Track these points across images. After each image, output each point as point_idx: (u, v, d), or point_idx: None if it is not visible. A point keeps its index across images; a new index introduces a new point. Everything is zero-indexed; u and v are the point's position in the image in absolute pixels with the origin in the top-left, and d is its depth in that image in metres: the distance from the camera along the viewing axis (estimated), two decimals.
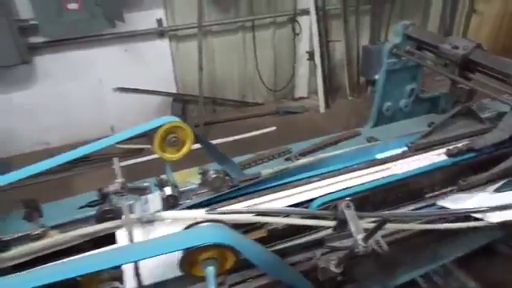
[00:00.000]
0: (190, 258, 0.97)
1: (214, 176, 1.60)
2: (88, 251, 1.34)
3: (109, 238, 1.42)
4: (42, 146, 4.49)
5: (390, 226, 1.30)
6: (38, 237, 1.33)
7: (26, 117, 4.32)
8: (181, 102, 4.86)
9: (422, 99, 2.65)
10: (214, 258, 0.98)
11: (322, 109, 5.22)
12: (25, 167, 1.50)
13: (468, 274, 2.28)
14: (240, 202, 1.52)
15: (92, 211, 1.58)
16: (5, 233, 1.43)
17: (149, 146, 1.63)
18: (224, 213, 1.22)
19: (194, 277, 1.01)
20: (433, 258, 1.68)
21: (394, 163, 1.70)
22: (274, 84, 5.44)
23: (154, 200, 1.22)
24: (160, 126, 1.50)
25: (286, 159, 2.15)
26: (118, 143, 1.64)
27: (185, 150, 1.55)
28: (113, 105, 4.62)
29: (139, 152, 4.19)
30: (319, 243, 1.34)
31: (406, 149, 1.85)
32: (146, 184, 1.23)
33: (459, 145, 1.68)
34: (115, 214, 1.49)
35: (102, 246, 1.38)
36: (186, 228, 1.05)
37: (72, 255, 1.32)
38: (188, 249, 0.94)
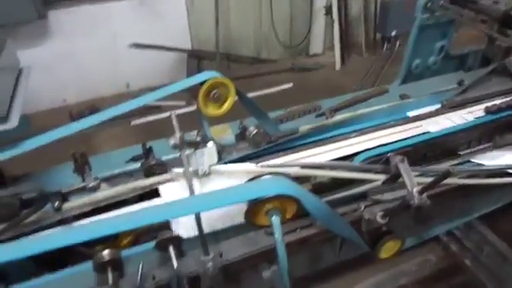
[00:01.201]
0: (256, 209, 1.02)
1: (255, 132, 1.62)
2: (133, 205, 1.40)
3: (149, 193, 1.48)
4: (60, 104, 4.52)
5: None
6: (94, 189, 1.38)
7: (43, 74, 4.30)
8: (196, 59, 4.81)
9: (451, 57, 2.62)
10: (277, 208, 1.04)
11: (337, 66, 5.17)
12: (68, 124, 1.51)
13: (488, 228, 2.37)
14: (280, 157, 1.56)
15: (137, 165, 1.64)
16: (58, 185, 1.48)
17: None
18: (281, 166, 1.26)
19: (256, 226, 1.06)
20: (464, 212, 1.74)
21: (430, 120, 1.72)
22: (289, 40, 5.35)
23: (210, 153, 1.25)
24: (204, 82, 1.51)
25: (318, 116, 2.17)
26: (158, 100, 1.65)
27: (227, 105, 1.56)
28: (128, 61, 4.59)
29: (156, 110, 4.20)
30: (363, 196, 1.39)
31: (439, 106, 1.86)
32: (198, 138, 1.26)
33: (497, 102, 1.69)
34: (161, 168, 1.54)
35: (147, 200, 1.44)
36: (249, 180, 1.09)
37: (117, 208, 1.38)
38: (255, 200, 0.99)
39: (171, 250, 1.17)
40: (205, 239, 1.14)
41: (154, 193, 1.45)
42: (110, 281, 1.11)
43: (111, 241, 1.48)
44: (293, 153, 1.58)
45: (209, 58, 4.86)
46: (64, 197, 1.36)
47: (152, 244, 1.18)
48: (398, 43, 5.25)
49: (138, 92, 4.65)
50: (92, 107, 4.12)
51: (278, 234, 1.02)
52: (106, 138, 3.89)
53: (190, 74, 4.80)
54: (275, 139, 1.70)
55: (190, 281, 1.17)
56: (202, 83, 1.52)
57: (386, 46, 5.43)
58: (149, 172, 1.52)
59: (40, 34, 4.09)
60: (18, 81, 1.52)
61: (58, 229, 1.27)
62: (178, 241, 1.18)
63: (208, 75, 1.53)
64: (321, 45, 5.51)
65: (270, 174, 1.12)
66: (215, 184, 1.24)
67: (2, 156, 1.37)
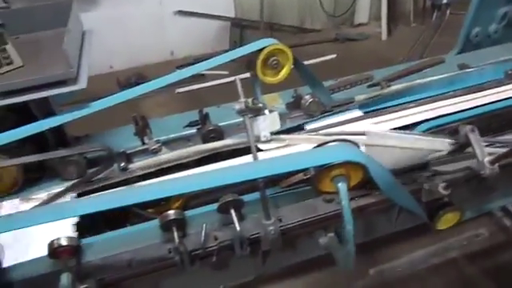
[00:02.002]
0: (321, 175, 1.02)
1: (311, 100, 1.61)
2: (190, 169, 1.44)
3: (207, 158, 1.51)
4: (107, 70, 4.63)
5: None
6: (156, 151, 1.43)
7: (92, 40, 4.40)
8: (239, 27, 4.77)
9: None
10: (343, 175, 1.04)
11: (384, 36, 4.99)
12: (124, 91, 1.52)
13: None
14: (338, 126, 1.55)
15: (193, 130, 1.68)
16: (118, 146, 1.54)
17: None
18: (347, 133, 1.25)
19: (321, 192, 1.07)
20: None
21: (494, 90, 1.65)
22: (333, 9, 5.20)
23: (273, 120, 1.26)
24: (262, 49, 1.49)
25: (370, 86, 2.12)
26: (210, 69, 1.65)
27: (284, 72, 1.55)
28: (172, 29, 4.61)
29: (200, 78, 4.23)
30: (423, 167, 1.36)
31: (502, 76, 1.77)
32: (260, 104, 1.27)
33: None
34: (218, 133, 1.57)
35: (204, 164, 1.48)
36: (316, 147, 1.10)
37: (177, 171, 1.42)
38: (323, 165, 0.99)
39: (233, 212, 1.20)
40: (267, 204, 1.16)
41: (212, 157, 1.49)
42: (176, 239, 1.16)
43: (162, 204, 1.55)
44: (350, 122, 1.57)
45: (252, 26, 4.81)
46: (128, 158, 1.41)
47: (214, 206, 1.22)
48: (448, 11, 4.97)
49: (182, 60, 4.69)
50: (138, 75, 4.20)
51: (344, 201, 1.02)
52: (151, 104, 3.97)
53: (232, 43, 4.78)
54: (329, 108, 1.68)
55: (251, 242, 1.20)
56: (259, 50, 1.51)
57: (435, 14, 5.16)
58: (206, 137, 1.56)
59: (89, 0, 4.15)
60: (82, 43, 1.57)
61: (125, 188, 1.33)
62: (239, 204, 1.21)
63: (266, 42, 1.51)
64: (366, 14, 5.31)
65: (335, 141, 1.12)
66: (278, 151, 1.25)
67: (65, 118, 1.43)
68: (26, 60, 1.42)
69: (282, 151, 1.29)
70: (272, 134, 1.26)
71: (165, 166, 1.38)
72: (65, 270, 1.11)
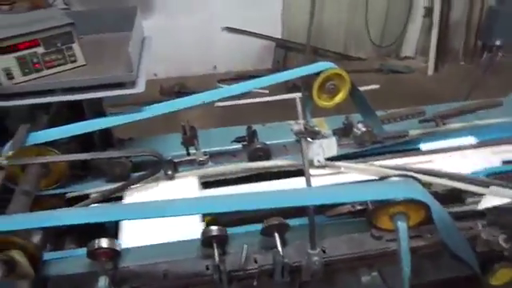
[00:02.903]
0: (381, 210, 0.97)
1: (364, 130, 1.56)
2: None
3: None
4: (151, 76, 4.71)
5: None
6: (202, 163, 1.41)
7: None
8: (284, 49, 4.79)
9: None
10: (403, 213, 0.98)
11: (430, 71, 4.88)
12: (174, 100, 1.51)
13: None
14: (390, 159, 1.49)
15: (238, 145, 1.65)
16: (163, 153, 1.53)
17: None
18: (406, 169, 1.20)
19: (377, 228, 1.01)
20: None
21: None
22: (380, 39, 5.15)
23: (330, 145, 1.22)
24: (320, 72, 1.47)
25: (422, 121, 2.05)
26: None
27: (340, 97, 1.51)
28: (218, 44, 4.67)
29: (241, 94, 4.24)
30: (481, 214, 1.28)
31: None
32: (317, 128, 1.23)
33: None
34: (265, 153, 1.54)
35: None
36: (378, 179, 1.05)
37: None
38: (384, 200, 0.94)
39: (277, 236, 1.16)
40: (314, 233, 1.11)
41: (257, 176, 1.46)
42: (216, 256, 1.12)
43: None
44: (403, 156, 1.51)
45: (296, 49, 4.81)
46: (175, 166, 1.40)
47: (257, 227, 1.18)
48: (500, 54, 4.83)
49: (223, 75, 4.74)
50: (181, 85, 4.26)
51: (403, 241, 0.96)
52: (189, 116, 4.00)
53: (275, 63, 4.80)
54: (381, 139, 1.63)
55: (292, 271, 1.15)
56: (317, 73, 1.49)
57: (485, 55, 5.03)
58: (253, 155, 1.53)
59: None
60: (142, 48, 1.59)
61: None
62: (284, 228, 1.17)
63: (325, 66, 1.49)
64: (413, 47, 5.23)
65: (397, 176, 1.06)
66: (329, 178, 1.21)
67: (116, 120, 1.43)
68: (88, 60, 1.44)
69: (333, 178, 1.24)
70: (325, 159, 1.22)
71: (211, 179, 1.35)
72: (102, 273, 1.09)
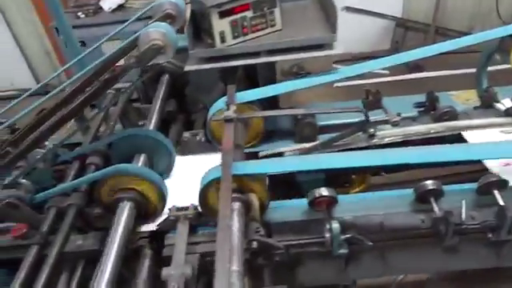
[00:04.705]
0: None
1: None
2: None
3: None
4: None
5: None
6: (395, 124, 1.41)
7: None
8: (403, 28, 4.61)
9: None
10: None
11: None
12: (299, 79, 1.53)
13: None
14: None
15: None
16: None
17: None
18: None
19: None
20: None
21: None
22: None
23: None
24: None
25: None
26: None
27: None
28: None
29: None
30: None
31: None
32: None
33: None
34: (452, 117, 1.51)
35: None
36: None
37: None
38: None
39: (496, 193, 1.13)
40: None
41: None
42: (436, 209, 1.13)
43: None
44: None
45: (416, 28, 4.61)
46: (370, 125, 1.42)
47: (473, 185, 1.17)
48: None
49: (339, 56, 4.70)
50: (299, 66, 4.32)
51: None
52: (309, 95, 4.04)
53: (394, 43, 4.65)
54: None
55: None
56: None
57: None
58: (440, 119, 1.51)
59: None
60: None
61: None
62: (503, 185, 1.14)
63: None
64: None
65: None
66: None
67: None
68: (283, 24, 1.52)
69: None
70: None
71: (411, 138, 1.36)
72: (326, 220, 1.15)
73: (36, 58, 4.59)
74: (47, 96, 1.17)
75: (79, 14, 3.57)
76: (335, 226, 1.11)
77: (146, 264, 1.20)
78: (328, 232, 1.12)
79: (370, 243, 1.10)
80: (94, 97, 1.00)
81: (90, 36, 3.38)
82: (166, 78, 1.78)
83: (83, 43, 3.68)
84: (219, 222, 0.93)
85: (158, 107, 1.62)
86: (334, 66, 4.44)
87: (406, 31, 4.62)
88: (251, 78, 1.81)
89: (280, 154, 1.51)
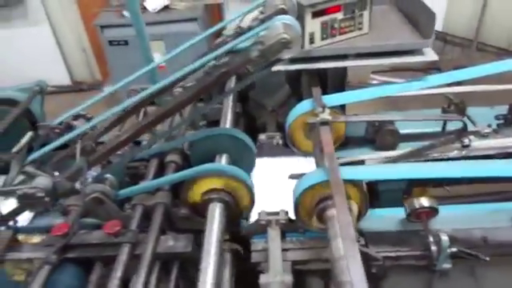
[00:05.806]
0: None
1: None
2: None
3: None
4: None
5: None
6: (486, 135, 1.35)
7: None
8: (442, 41, 4.55)
9: None
10: None
11: None
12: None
13: None
14: None
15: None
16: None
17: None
18: None
19: None
20: None
21: None
22: None
23: None
24: None
25: None
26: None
27: None
28: None
29: None
30: None
31: None
32: None
33: None
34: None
35: None
36: None
37: None
38: None
39: None
40: None
41: None
42: None
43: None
44: None
45: (454, 42, 4.54)
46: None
47: None
48: None
49: (375, 67, 4.64)
50: None
51: None
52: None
53: None
54: None
55: None
56: None
57: None
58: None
59: None
60: None
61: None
62: None
63: None
64: None
65: None
66: None
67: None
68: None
69: None
70: None
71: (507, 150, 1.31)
72: (428, 232, 1.09)
73: (73, 55, 4.60)
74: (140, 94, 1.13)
75: (124, 12, 3.58)
76: (444, 238, 1.05)
77: (227, 268, 1.16)
78: (434, 245, 1.07)
79: (487, 258, 1.04)
80: (204, 91, 0.96)
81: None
82: (233, 79, 1.75)
83: (126, 42, 3.70)
84: (341, 230, 0.88)
85: (230, 107, 1.58)
86: (372, 76, 4.38)
87: (445, 44, 4.56)
88: (321, 82, 1.77)
89: (362, 162, 1.46)
